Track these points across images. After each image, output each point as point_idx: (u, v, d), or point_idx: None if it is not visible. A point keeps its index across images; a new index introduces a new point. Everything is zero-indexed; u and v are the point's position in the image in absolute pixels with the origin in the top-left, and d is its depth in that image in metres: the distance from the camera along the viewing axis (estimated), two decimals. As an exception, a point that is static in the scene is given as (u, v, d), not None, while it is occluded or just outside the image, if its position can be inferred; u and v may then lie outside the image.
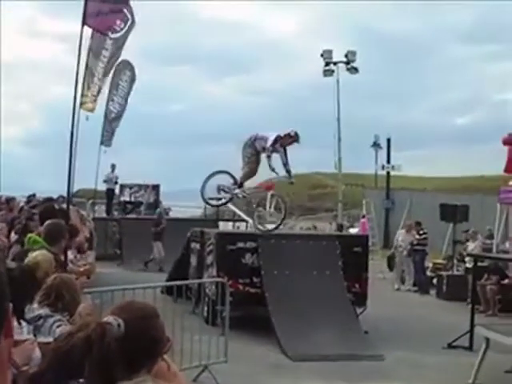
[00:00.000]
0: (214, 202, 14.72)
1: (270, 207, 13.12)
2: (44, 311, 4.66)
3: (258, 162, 13.47)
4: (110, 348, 2.19)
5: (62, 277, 5.02)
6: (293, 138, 13.10)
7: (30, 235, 7.91)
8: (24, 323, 4.38)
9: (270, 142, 12.92)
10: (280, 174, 13.20)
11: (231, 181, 13.70)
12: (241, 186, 13.62)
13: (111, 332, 2.21)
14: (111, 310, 2.35)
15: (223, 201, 14.24)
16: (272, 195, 13.18)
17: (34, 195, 17.90)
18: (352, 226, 32.98)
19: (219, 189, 13.76)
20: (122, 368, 2.22)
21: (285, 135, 13.02)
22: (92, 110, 20.53)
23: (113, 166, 25.73)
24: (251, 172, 13.61)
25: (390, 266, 20.67)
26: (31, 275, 4.81)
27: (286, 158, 13.13)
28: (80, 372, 2.28)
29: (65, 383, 2.35)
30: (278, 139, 12.93)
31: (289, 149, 13.13)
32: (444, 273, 18.97)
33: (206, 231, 13.57)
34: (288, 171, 13.19)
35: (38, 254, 5.74)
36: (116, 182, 26.10)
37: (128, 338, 2.23)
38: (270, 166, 12.97)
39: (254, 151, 13.33)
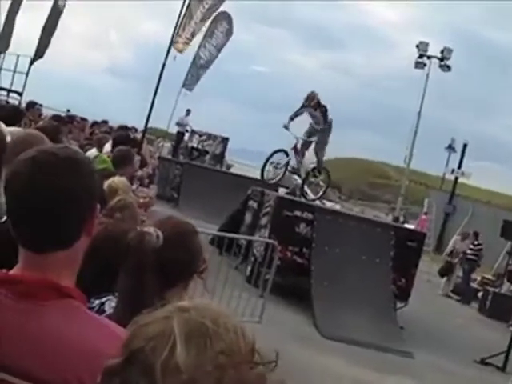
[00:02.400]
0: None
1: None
2: None
3: None
4: (147, 257, 2.25)
5: (125, 200, 5.07)
6: None
7: (100, 154, 8.11)
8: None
9: None
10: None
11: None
12: None
13: (149, 242, 2.27)
14: (153, 223, 2.46)
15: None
16: None
17: (106, 122, 18.10)
18: (406, 222, 32.54)
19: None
20: (155, 280, 2.26)
21: None
22: (181, 51, 20.80)
23: (188, 111, 25.91)
24: None
25: (442, 273, 20.21)
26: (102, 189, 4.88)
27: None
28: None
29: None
30: None
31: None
32: (491, 289, 18.63)
33: (266, 192, 13.50)
34: None
35: (121, 181, 5.78)
36: (187, 130, 26.31)
37: (165, 249, 2.28)
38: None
39: None
